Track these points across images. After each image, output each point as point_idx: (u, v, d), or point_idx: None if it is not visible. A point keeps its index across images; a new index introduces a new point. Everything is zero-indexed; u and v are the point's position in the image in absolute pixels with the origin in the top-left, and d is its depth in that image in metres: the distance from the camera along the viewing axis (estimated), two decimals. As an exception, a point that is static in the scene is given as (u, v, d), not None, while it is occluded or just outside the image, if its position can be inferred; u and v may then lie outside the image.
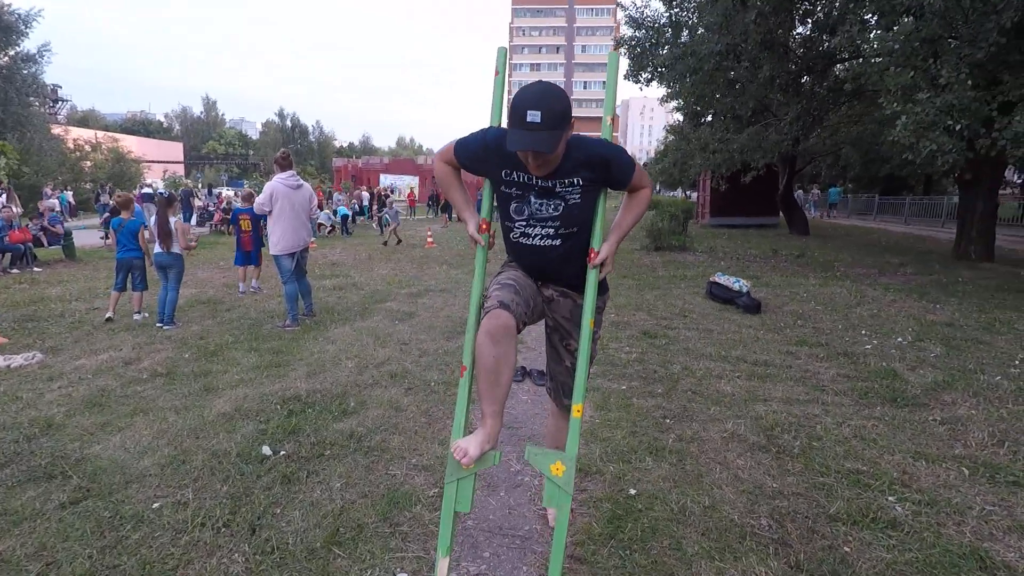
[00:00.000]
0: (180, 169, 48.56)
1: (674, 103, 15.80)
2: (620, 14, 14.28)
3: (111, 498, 2.34)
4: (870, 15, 9.18)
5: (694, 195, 28.90)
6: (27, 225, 10.80)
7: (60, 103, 49.63)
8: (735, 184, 15.67)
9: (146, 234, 5.77)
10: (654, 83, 13.02)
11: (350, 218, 17.88)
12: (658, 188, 41.43)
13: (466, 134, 2.02)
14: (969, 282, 7.68)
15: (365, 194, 21.11)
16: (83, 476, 2.52)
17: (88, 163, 31.72)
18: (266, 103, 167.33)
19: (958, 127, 6.85)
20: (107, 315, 5.61)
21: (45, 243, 10.86)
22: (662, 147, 23.32)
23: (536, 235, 1.93)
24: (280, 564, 1.94)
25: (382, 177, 43.41)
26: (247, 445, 2.77)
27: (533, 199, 1.92)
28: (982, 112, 7.04)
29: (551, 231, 1.92)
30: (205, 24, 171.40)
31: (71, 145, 31.33)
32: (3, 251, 9.30)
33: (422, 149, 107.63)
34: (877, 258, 10.61)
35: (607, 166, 1.89)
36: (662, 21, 13.12)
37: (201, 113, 73.32)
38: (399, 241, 13.69)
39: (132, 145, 40.25)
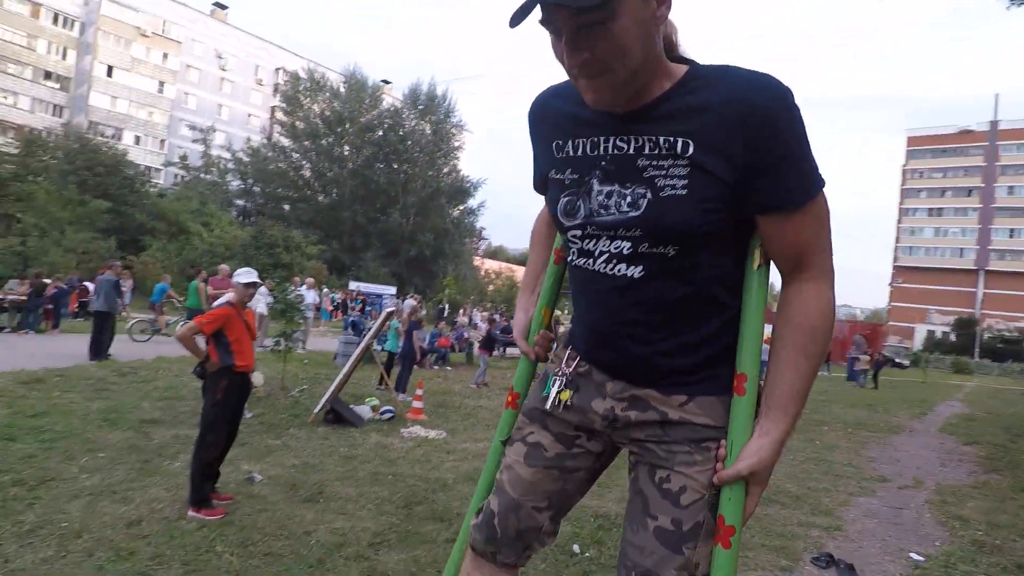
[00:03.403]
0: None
1: None
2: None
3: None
4: None
5: None
6: (448, 335, 14.57)
7: (481, 241, 64.90)
8: None
9: None
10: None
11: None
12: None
13: None
14: None
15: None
16: (459, 524, 3.61)
17: (491, 288, 40.34)
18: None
19: None
20: None
21: (456, 349, 14.42)
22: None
23: (601, 252, 1.10)
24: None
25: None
26: (563, 540, 3.52)
27: (596, 184, 1.08)
28: None
29: (625, 246, 1.06)
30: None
31: (482, 274, 40.60)
32: (432, 351, 12.77)
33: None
34: None
35: (755, 129, 0.96)
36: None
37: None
38: None
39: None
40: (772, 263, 1.10)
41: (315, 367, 10.38)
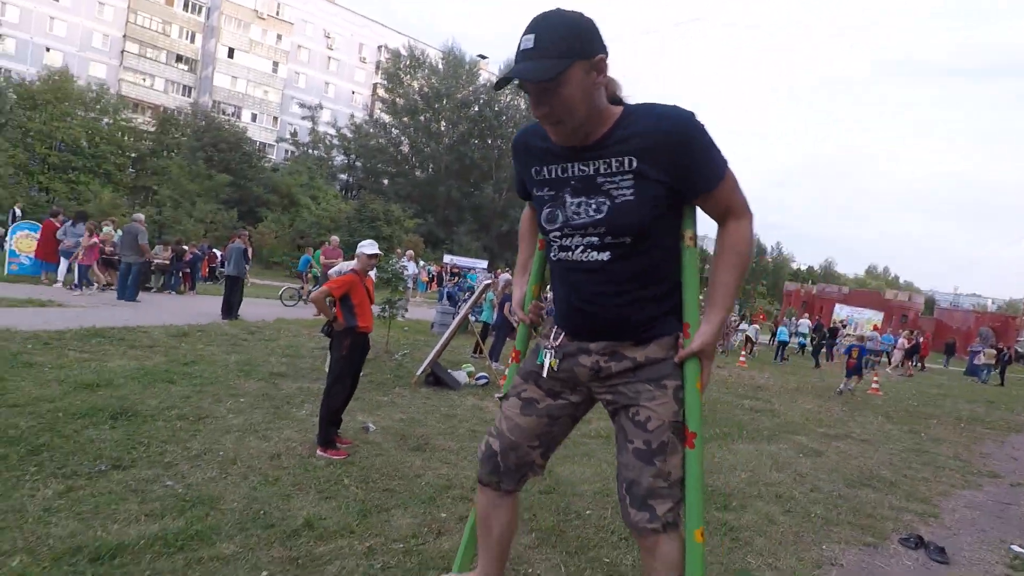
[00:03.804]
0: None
1: None
2: None
3: (565, 493, 3.64)
4: None
5: None
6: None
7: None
8: None
9: None
10: None
11: (786, 344, 17.79)
12: None
13: None
14: None
15: (804, 321, 20.45)
16: (550, 480, 3.92)
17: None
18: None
19: None
20: None
21: (545, 324, 14.78)
22: None
23: (577, 246, 1.50)
24: None
25: (837, 307, 40.48)
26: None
27: (568, 198, 1.48)
28: None
29: (594, 240, 1.46)
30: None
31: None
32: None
33: (897, 281, 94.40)
34: None
35: (675, 146, 1.38)
36: None
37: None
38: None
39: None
40: (699, 240, 1.57)
41: (414, 334, 11.07)
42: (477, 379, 7.29)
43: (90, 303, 9.91)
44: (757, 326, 18.96)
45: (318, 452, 3.99)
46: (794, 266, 79.56)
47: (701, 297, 1.57)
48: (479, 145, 38.77)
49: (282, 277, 24.04)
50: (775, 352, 17.22)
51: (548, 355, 1.61)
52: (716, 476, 4.52)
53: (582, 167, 1.46)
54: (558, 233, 1.52)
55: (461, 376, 7.21)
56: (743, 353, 15.05)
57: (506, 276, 11.33)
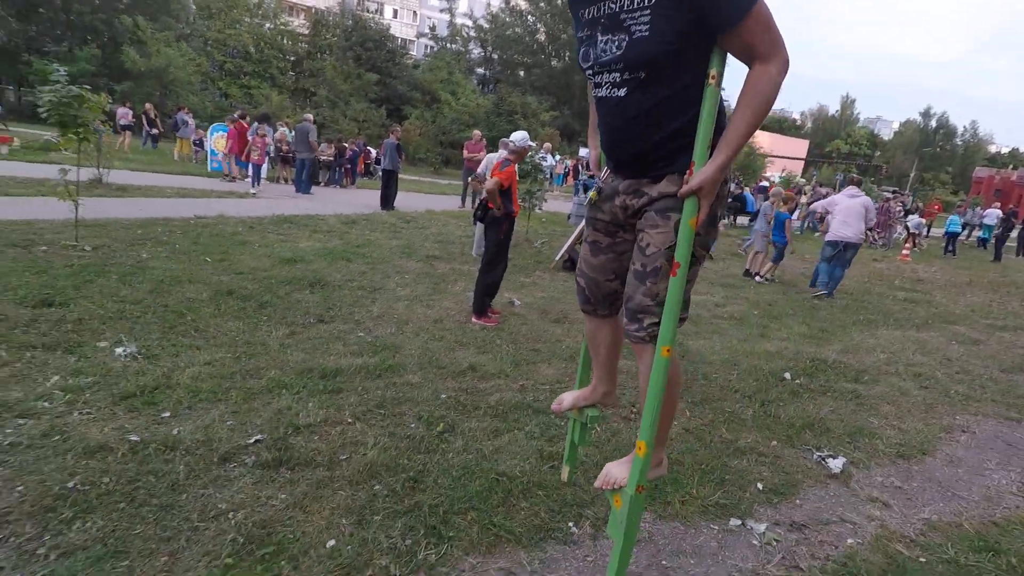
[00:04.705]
0: (798, 166, 50.84)
1: None
2: None
3: (694, 360, 3.97)
4: None
5: None
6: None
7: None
8: None
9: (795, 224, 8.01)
10: None
11: (959, 236, 15.82)
12: None
13: None
14: None
15: (993, 211, 17.80)
16: (683, 350, 4.24)
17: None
18: (912, 102, 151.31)
19: None
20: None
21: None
22: None
23: (604, 83, 1.58)
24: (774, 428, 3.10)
25: (1040, 196, 34.45)
26: (776, 369, 3.99)
27: (599, 37, 1.54)
28: None
29: (615, 76, 1.54)
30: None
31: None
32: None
33: None
34: None
35: None
36: None
37: (836, 112, 73.54)
38: None
39: (764, 141, 44.82)
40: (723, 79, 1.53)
41: (551, 225, 11.50)
42: (613, 264, 7.58)
43: (275, 194, 11.44)
44: (923, 220, 16.97)
45: (473, 319, 4.63)
46: (992, 149, 67.66)
47: None
48: (619, 26, 36.21)
49: (427, 172, 25.39)
50: (944, 245, 15.44)
51: (593, 188, 1.83)
52: (851, 355, 4.57)
53: (611, 4, 1.50)
54: (590, 71, 1.60)
55: (597, 261, 7.54)
56: (906, 247, 13.73)
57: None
